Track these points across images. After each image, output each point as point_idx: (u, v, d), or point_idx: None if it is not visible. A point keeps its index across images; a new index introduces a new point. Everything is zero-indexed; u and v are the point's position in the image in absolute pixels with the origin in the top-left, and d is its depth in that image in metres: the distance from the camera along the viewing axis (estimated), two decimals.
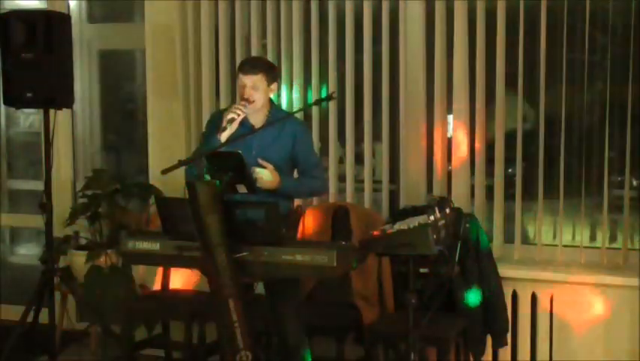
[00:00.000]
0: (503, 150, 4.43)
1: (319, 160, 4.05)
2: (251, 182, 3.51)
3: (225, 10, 4.94)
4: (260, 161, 3.64)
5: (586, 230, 4.47)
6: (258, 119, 3.76)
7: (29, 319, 4.46)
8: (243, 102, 3.67)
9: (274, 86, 3.79)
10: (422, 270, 4.08)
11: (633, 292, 4.16)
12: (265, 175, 3.62)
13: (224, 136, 3.58)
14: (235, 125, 3.60)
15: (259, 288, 3.91)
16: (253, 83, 3.70)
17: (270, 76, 3.75)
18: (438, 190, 4.54)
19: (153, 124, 5.24)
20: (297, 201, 4.15)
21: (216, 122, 3.75)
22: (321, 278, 3.90)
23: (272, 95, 3.81)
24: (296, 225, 4.00)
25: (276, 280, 3.59)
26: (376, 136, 4.68)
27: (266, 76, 3.72)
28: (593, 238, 4.49)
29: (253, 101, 3.69)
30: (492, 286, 4.23)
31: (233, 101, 4.89)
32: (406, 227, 3.27)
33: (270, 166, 3.65)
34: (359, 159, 4.76)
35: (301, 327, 3.78)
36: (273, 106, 3.86)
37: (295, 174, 3.88)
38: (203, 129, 4.08)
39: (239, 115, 3.60)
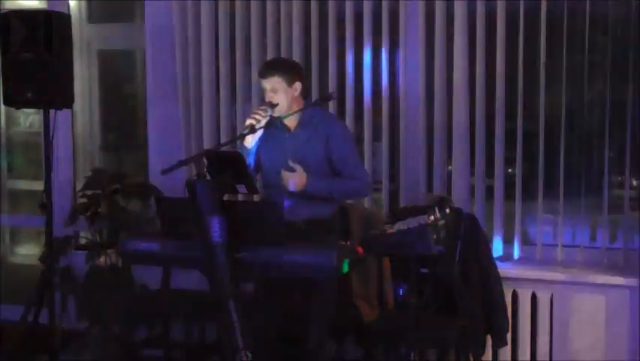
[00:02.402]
0: (503, 150, 4.44)
1: (358, 160, 3.91)
2: (251, 182, 3.51)
3: (225, 10, 4.94)
4: (290, 163, 3.62)
5: (586, 230, 4.47)
6: (291, 121, 3.72)
7: (29, 319, 4.45)
8: (263, 106, 3.63)
9: (297, 85, 3.70)
10: (422, 270, 4.08)
11: (633, 292, 4.16)
12: (290, 176, 3.61)
13: (246, 141, 3.57)
14: (259, 131, 3.56)
15: None
16: (272, 86, 3.65)
17: (290, 76, 3.67)
18: (438, 190, 4.54)
19: (153, 124, 5.24)
20: None
21: None
22: (321, 278, 3.89)
23: (297, 95, 3.72)
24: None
25: (312, 282, 3.56)
26: (376, 136, 4.68)
27: (284, 77, 3.66)
28: (593, 238, 4.49)
29: (277, 104, 3.64)
30: (492, 286, 4.23)
31: (232, 101, 4.91)
32: (405, 227, 3.27)
33: (299, 168, 3.62)
34: None
35: (324, 329, 3.76)
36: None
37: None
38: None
39: (258, 120, 3.54)
